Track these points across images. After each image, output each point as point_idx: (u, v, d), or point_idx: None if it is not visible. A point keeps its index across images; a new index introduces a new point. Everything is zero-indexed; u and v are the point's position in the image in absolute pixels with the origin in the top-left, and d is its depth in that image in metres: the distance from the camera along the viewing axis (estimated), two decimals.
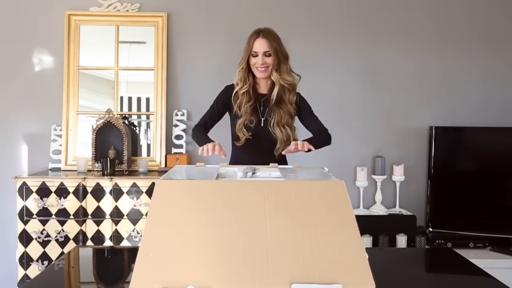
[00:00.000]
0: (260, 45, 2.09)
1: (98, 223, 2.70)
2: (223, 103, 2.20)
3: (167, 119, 3.10)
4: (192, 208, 1.13)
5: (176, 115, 3.12)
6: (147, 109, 3.14)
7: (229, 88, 2.20)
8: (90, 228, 2.69)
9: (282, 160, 2.13)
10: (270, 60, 2.10)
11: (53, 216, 2.68)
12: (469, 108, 3.20)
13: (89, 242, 2.68)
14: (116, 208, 2.70)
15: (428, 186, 3.13)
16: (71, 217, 2.68)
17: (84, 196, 2.69)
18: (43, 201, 2.67)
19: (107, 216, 2.70)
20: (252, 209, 1.12)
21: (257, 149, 2.14)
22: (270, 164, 1.83)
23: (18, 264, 2.70)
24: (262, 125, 2.15)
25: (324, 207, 1.14)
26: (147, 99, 3.15)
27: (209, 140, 1.98)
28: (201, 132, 2.12)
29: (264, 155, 2.10)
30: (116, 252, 1.96)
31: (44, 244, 2.68)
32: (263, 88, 2.19)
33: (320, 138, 2.13)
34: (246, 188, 1.20)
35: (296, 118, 2.23)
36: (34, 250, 2.68)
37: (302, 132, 2.24)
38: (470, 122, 3.17)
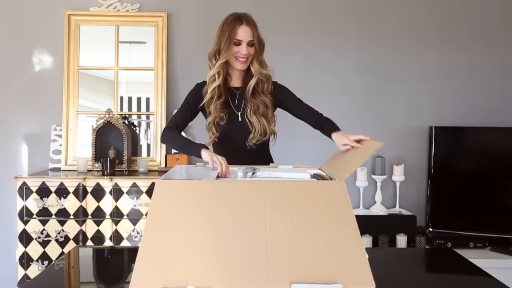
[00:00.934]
0: (245, 34, 1.87)
1: (98, 223, 2.70)
2: (195, 103, 1.98)
3: (167, 119, 3.09)
4: (192, 208, 1.13)
5: None
6: (147, 109, 3.14)
7: (200, 86, 2.00)
8: (90, 228, 2.69)
9: (265, 155, 2.02)
10: (252, 50, 1.89)
11: (53, 216, 2.68)
12: (469, 108, 3.20)
13: (89, 242, 2.68)
14: (116, 208, 2.70)
15: (428, 186, 3.13)
16: (71, 217, 2.68)
17: (84, 196, 2.69)
18: (43, 201, 2.67)
19: (107, 216, 2.70)
20: (252, 209, 1.12)
21: (237, 146, 1.93)
22: (270, 164, 1.83)
23: (18, 264, 2.69)
24: (240, 119, 1.95)
25: (324, 207, 1.14)
26: (147, 99, 3.14)
27: (199, 144, 1.79)
28: (180, 137, 1.93)
29: (245, 153, 1.92)
30: (116, 252, 1.96)
31: (44, 244, 2.68)
32: (235, 81, 1.98)
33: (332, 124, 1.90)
34: (246, 188, 1.20)
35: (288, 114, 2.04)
36: (34, 250, 2.68)
37: (292, 124, 2.10)
38: (470, 122, 3.16)
